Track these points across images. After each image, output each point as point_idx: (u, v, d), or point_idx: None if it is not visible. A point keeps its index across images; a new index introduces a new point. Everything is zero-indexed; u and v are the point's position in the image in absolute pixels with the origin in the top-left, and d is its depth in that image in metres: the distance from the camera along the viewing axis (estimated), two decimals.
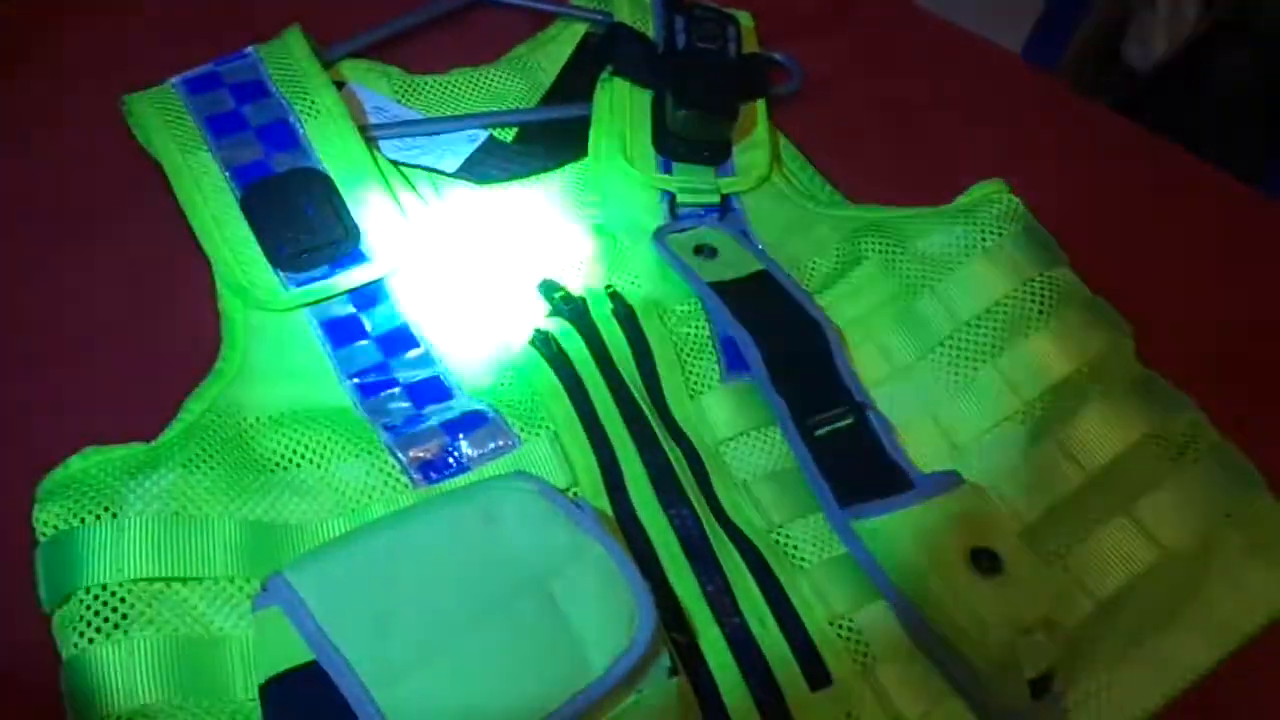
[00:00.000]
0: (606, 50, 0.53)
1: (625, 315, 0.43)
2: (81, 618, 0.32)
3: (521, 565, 0.33)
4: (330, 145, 0.45)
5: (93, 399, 0.41)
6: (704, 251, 0.45)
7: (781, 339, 0.42)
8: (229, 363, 0.40)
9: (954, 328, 0.43)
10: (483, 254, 0.46)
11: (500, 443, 0.39)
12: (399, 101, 0.52)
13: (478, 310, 0.43)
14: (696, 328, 0.44)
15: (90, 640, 0.32)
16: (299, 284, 0.42)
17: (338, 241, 0.43)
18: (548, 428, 0.39)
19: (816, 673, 0.36)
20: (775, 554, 0.38)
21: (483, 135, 0.51)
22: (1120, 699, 0.36)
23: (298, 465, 0.37)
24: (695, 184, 0.49)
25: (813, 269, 0.47)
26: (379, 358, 0.41)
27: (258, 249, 0.42)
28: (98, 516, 0.34)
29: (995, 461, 0.40)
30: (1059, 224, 0.45)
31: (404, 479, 0.38)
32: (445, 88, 0.53)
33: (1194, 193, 0.55)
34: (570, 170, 0.50)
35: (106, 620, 0.32)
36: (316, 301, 0.42)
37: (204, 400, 0.38)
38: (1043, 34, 1.08)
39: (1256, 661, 0.37)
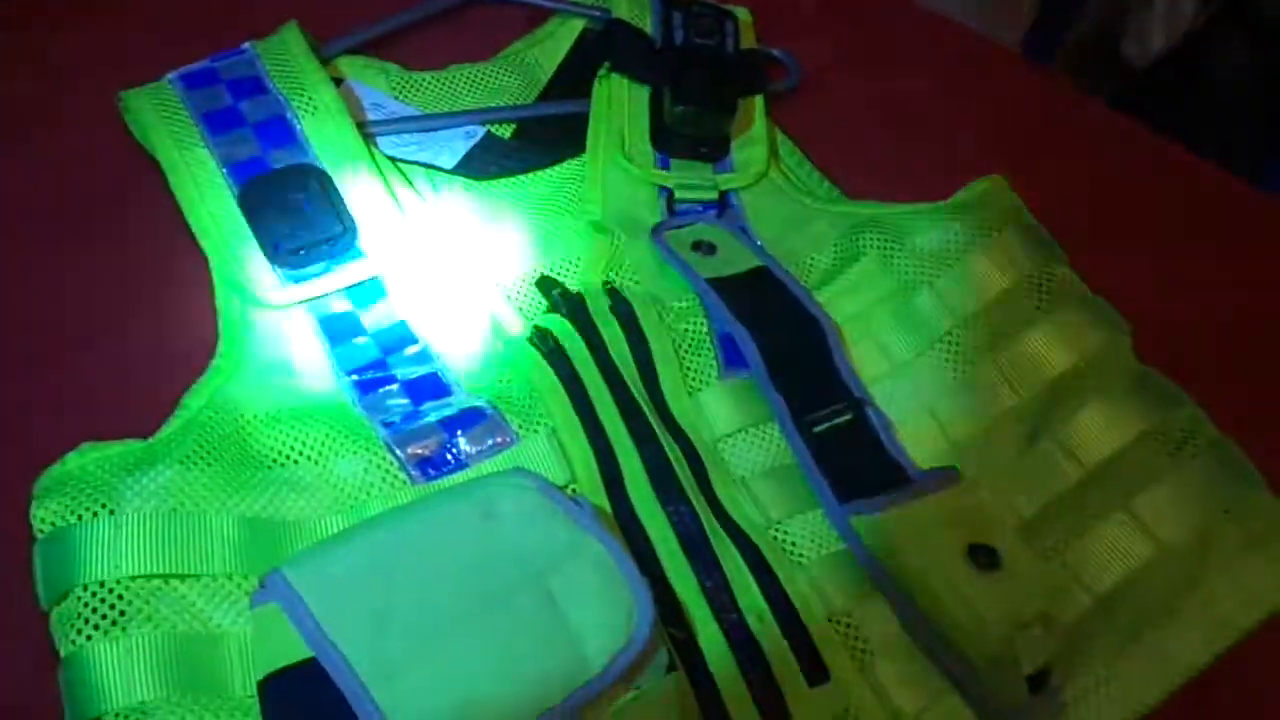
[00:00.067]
0: (604, 46, 0.53)
1: (623, 312, 0.43)
2: (79, 615, 0.32)
3: (520, 562, 0.33)
4: (327, 141, 0.45)
5: (92, 397, 0.41)
6: (702, 248, 0.45)
7: (780, 335, 0.42)
8: (226, 359, 0.40)
9: (952, 324, 0.43)
10: (480, 250, 0.46)
11: (498, 439, 0.39)
12: (396, 98, 0.52)
13: (476, 307, 0.43)
14: (695, 324, 0.44)
15: (88, 637, 0.32)
16: (296, 280, 0.42)
17: (335, 238, 0.43)
18: (546, 424, 0.39)
19: (814, 669, 0.36)
20: (773, 550, 0.38)
21: (480, 132, 0.51)
22: (1118, 694, 0.36)
23: (295, 462, 0.37)
24: (693, 180, 0.49)
25: (811, 265, 0.47)
26: (377, 354, 0.41)
27: (255, 245, 0.42)
28: (95, 513, 0.34)
29: (993, 458, 0.40)
30: (1057, 221, 0.45)
31: (402, 476, 0.38)
32: (443, 84, 0.53)
33: (1192, 189, 0.55)
34: (568, 167, 0.50)
35: (104, 617, 0.32)
36: (313, 298, 0.42)
37: (201, 396, 0.38)
38: (1040, 30, 1.08)
39: (1254, 656, 0.38)
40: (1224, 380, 0.43)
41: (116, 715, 0.31)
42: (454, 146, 0.50)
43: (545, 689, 0.31)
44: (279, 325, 0.41)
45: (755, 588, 0.37)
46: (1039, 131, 0.56)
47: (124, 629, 0.32)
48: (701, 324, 0.44)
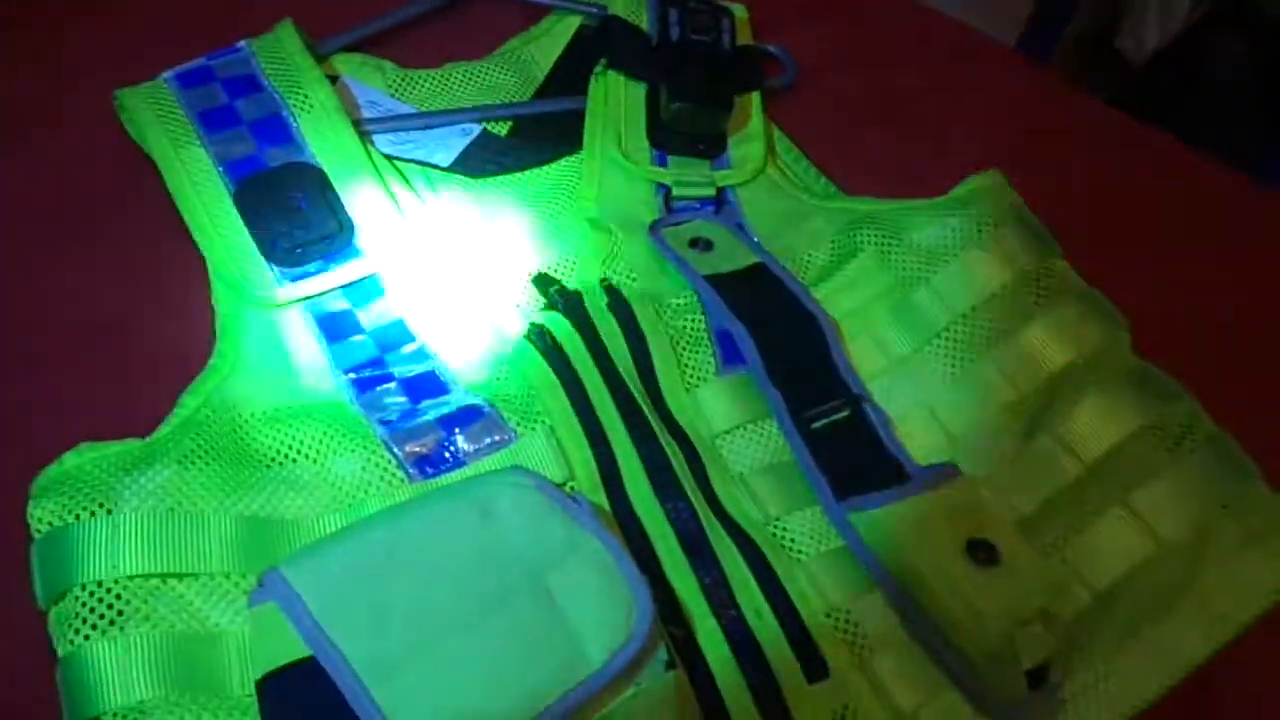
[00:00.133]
0: (601, 43, 0.53)
1: (621, 309, 0.43)
2: (77, 614, 0.32)
3: (518, 560, 0.33)
4: (324, 140, 0.45)
5: (91, 397, 0.41)
6: (699, 244, 0.45)
7: (778, 332, 0.42)
8: (224, 358, 0.40)
9: (950, 320, 0.43)
10: (477, 248, 0.46)
11: (496, 437, 0.39)
12: (393, 95, 0.52)
13: (473, 304, 0.43)
14: (692, 321, 0.44)
15: (86, 637, 0.32)
16: (293, 279, 0.42)
17: (331, 236, 0.42)
18: (544, 422, 0.39)
19: (813, 665, 0.36)
20: (772, 547, 0.38)
21: (477, 129, 0.51)
22: (1117, 689, 0.36)
23: (293, 460, 0.37)
24: (690, 177, 0.49)
25: (808, 261, 0.47)
26: (374, 352, 0.41)
27: (251, 244, 0.42)
28: (93, 513, 0.34)
29: (992, 453, 0.40)
30: (1054, 216, 0.45)
31: (400, 474, 0.38)
32: (439, 81, 0.53)
33: (1189, 184, 0.55)
34: (565, 164, 0.50)
35: (102, 617, 0.32)
36: (311, 296, 0.42)
37: (199, 396, 0.38)
38: (1037, 26, 1.08)
39: (1254, 656, 0.38)
40: (1220, 373, 0.43)
41: (115, 715, 0.31)
42: (450, 144, 0.50)
43: (544, 687, 0.31)
44: (276, 324, 0.41)
45: (754, 584, 0.37)
46: (1036, 127, 0.56)
47: (122, 628, 0.32)
48: (699, 320, 0.44)
